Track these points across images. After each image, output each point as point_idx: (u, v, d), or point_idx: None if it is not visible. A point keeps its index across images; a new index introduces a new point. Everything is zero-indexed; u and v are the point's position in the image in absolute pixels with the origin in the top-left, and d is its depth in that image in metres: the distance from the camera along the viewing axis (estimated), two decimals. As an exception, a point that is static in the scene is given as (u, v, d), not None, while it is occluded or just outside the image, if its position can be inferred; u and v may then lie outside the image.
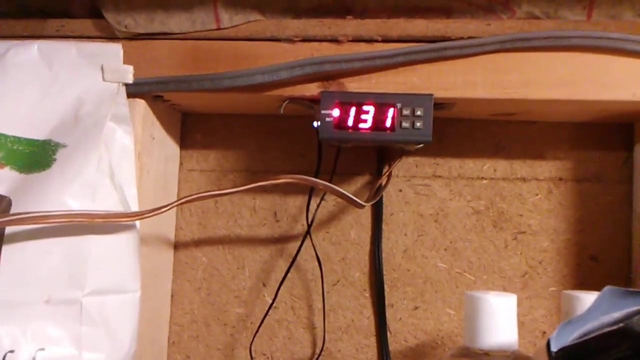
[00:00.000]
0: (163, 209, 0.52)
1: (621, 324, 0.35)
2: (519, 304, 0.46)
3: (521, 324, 0.62)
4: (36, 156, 0.52)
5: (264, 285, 0.67)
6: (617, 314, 0.36)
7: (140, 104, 0.57)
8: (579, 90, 0.53)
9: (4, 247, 0.47)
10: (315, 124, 0.55)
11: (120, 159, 0.53)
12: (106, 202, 0.51)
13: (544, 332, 0.63)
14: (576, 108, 0.57)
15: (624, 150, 0.63)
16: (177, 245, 0.68)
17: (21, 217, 0.46)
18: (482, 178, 0.65)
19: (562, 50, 0.53)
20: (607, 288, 0.38)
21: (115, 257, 0.51)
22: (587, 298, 0.45)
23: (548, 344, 0.36)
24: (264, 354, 0.66)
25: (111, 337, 0.50)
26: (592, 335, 0.35)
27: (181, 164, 0.69)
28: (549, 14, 0.54)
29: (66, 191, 0.49)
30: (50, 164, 0.51)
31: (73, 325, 0.49)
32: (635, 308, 0.35)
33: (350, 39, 0.55)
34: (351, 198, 0.57)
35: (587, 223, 0.63)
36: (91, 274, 0.49)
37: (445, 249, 0.65)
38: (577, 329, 0.36)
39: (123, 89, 0.55)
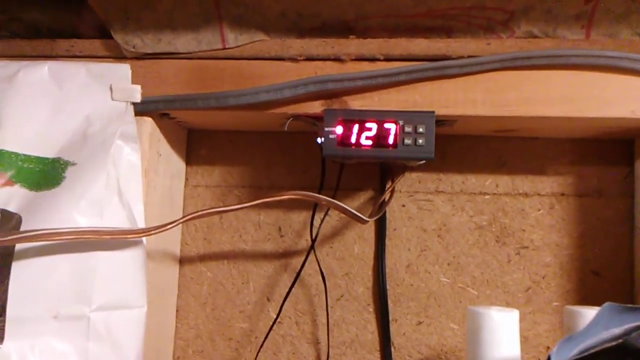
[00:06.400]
0: (169, 226, 0.53)
1: (621, 340, 0.35)
2: (523, 319, 0.46)
3: (524, 339, 0.63)
4: (46, 174, 0.53)
5: (269, 300, 0.67)
6: (617, 330, 0.36)
7: (148, 121, 0.58)
8: (578, 107, 0.53)
9: (13, 264, 0.48)
10: (318, 140, 0.56)
11: (127, 176, 0.54)
12: (114, 219, 0.52)
13: (548, 347, 0.63)
14: (576, 125, 0.58)
15: (625, 166, 0.64)
16: (183, 261, 0.69)
17: (31, 234, 0.47)
18: (485, 193, 0.66)
19: (561, 69, 0.54)
20: (606, 304, 0.38)
21: (122, 273, 0.52)
22: (589, 313, 0.45)
23: (549, 360, 0.36)
24: (269, 369, 0.67)
25: (117, 352, 0.51)
26: (592, 350, 0.36)
27: (187, 179, 0.70)
28: (548, 33, 0.55)
29: (75, 208, 0.50)
30: (60, 182, 0.52)
31: (80, 340, 0.49)
32: (634, 324, 0.36)
33: (353, 58, 0.56)
34: (354, 214, 0.57)
35: (589, 238, 0.64)
36: (98, 289, 0.50)
37: (448, 264, 0.65)
38: (577, 345, 0.36)
39: (131, 108, 0.56)
